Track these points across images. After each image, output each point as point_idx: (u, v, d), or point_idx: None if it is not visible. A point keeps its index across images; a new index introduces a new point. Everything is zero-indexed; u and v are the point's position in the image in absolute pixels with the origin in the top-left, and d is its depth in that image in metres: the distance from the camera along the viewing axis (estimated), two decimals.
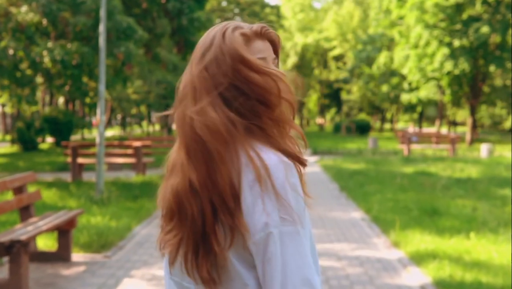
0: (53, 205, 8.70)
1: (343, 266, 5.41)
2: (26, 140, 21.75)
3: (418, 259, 5.54)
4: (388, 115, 53.07)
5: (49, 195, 9.60)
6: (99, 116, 9.13)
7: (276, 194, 1.10)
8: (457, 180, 11.81)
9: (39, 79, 13.02)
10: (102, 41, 9.00)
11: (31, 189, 9.97)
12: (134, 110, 36.71)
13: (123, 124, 35.38)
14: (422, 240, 6.21)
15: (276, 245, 1.08)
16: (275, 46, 1.30)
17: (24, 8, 10.70)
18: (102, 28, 8.99)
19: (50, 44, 10.58)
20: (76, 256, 5.76)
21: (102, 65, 9.05)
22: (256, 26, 1.26)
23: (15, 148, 22.79)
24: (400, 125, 61.48)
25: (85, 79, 12.19)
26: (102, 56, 9.04)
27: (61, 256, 5.61)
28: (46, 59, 10.36)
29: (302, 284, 1.08)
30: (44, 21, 10.90)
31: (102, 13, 8.86)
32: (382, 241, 6.47)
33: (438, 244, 6.06)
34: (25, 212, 5.59)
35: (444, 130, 43.75)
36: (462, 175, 12.97)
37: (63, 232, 5.60)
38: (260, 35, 1.26)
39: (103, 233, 6.35)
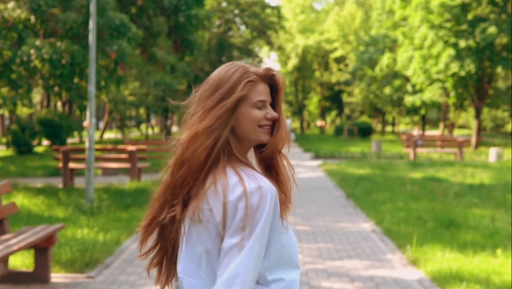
0: (39, 214, 8.09)
1: None
2: (21, 143, 21.13)
3: (442, 280, 4.91)
4: (389, 117, 52.39)
5: (36, 203, 8.99)
6: (89, 119, 8.50)
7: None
8: (470, 187, 11.17)
9: (34, 80, 12.36)
10: (92, 38, 8.37)
11: (16, 198, 9.34)
12: (133, 113, 36.08)
13: (121, 127, 34.74)
14: (443, 258, 5.57)
15: None
16: (278, 88, 1.48)
17: (11, 4, 10.07)
18: (92, 24, 8.37)
19: (38, 42, 9.93)
20: (56, 276, 5.13)
21: (92, 65, 8.42)
22: (262, 69, 1.45)
23: (10, 151, 22.19)
24: (401, 128, 60.82)
25: (76, 80, 11.52)
26: (92, 55, 8.41)
27: (39, 276, 4.98)
28: (34, 58, 9.71)
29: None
30: (32, 18, 10.26)
31: (92, 8, 8.23)
32: (398, 258, 5.83)
33: (462, 262, 5.41)
34: None
35: (446, 133, 43.06)
36: (474, 181, 12.33)
37: (41, 249, 4.97)
38: (264, 78, 1.45)
39: (87, 249, 5.70)
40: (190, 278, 1.39)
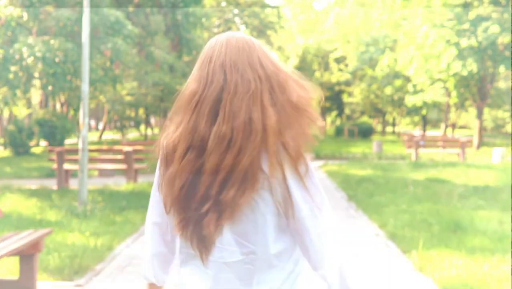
0: (30, 217, 7.82)
1: None
2: (18, 144, 20.86)
3: None
4: (389, 118, 52.08)
5: (29, 206, 8.72)
6: (82, 119, 8.23)
7: None
8: (475, 188, 10.90)
9: (29, 80, 12.07)
10: (85, 36, 8.11)
11: (8, 200, 9.08)
12: (132, 113, 35.76)
13: (120, 128, 34.42)
14: (451, 264, 5.30)
15: None
16: None
17: (3, 1, 9.79)
18: (85, 21, 8.10)
19: (30, 40, 9.66)
20: (43, 284, 4.85)
21: (85, 63, 8.15)
22: None
23: (7, 152, 21.93)
24: (402, 128, 60.53)
25: (73, 80, 11.24)
26: (85, 53, 8.15)
27: (24, 285, 4.70)
28: (26, 56, 9.43)
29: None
30: (25, 15, 9.98)
31: (85, 4, 7.97)
32: (404, 264, 5.55)
33: (471, 269, 5.14)
34: None
35: (449, 133, 42.75)
36: (478, 182, 12.06)
37: (26, 256, 4.69)
38: None
39: (77, 255, 5.43)
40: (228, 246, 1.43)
